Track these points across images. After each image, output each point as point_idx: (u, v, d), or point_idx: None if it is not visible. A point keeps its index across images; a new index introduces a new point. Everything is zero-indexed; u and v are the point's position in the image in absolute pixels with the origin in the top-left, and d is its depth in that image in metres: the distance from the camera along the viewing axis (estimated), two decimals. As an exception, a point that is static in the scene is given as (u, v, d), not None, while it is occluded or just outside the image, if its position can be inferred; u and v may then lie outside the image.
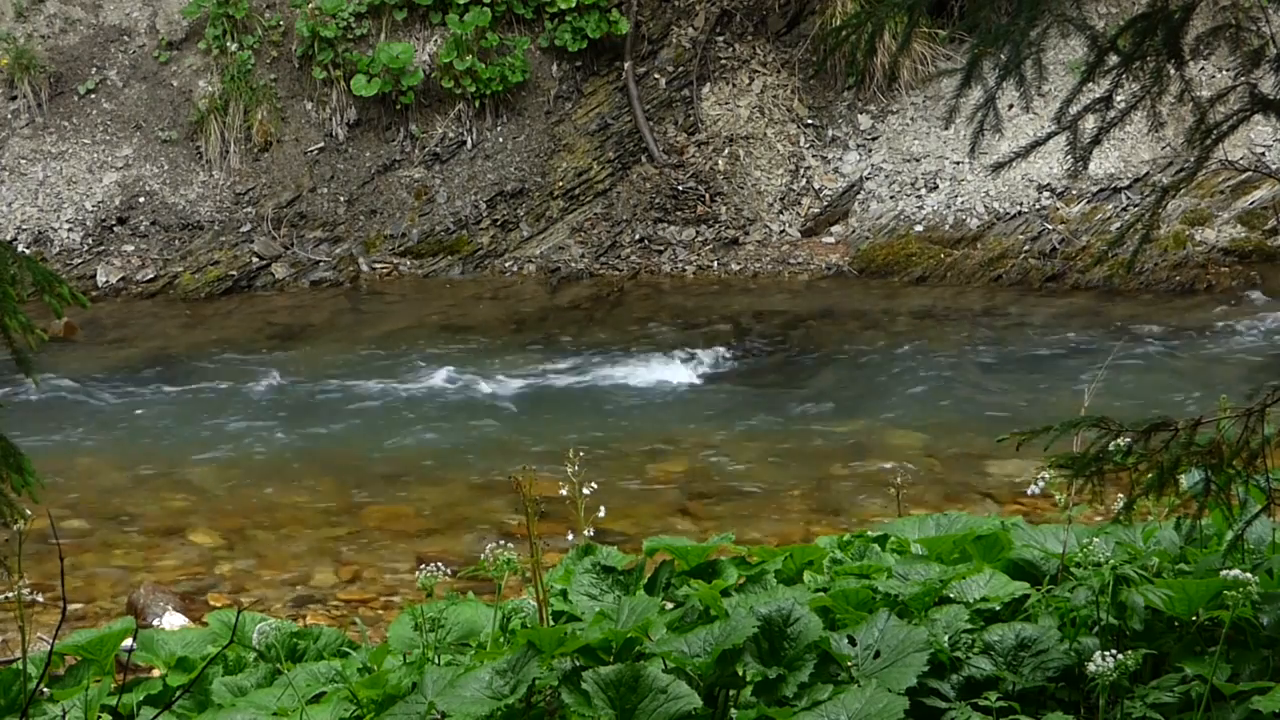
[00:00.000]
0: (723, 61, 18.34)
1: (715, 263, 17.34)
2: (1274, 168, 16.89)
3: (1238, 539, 5.91)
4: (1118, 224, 16.80)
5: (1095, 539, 6.02)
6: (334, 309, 16.87)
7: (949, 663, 5.64)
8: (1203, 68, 16.15)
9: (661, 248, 17.45)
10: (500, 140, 17.91)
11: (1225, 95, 5.84)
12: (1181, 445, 5.68)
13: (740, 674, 5.54)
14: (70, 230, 17.33)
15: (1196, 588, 5.62)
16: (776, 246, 17.46)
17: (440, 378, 15.07)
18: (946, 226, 17.27)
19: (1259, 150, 17.14)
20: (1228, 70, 15.28)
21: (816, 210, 17.68)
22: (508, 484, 6.33)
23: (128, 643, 6.51)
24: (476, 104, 17.85)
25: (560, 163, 17.88)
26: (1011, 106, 6.79)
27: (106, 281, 17.01)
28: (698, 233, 17.55)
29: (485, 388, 14.87)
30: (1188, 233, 16.82)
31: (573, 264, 17.41)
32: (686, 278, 17.24)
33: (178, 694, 6.12)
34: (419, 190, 17.75)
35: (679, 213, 17.62)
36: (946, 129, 17.38)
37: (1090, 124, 5.95)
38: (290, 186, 17.65)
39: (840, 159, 17.87)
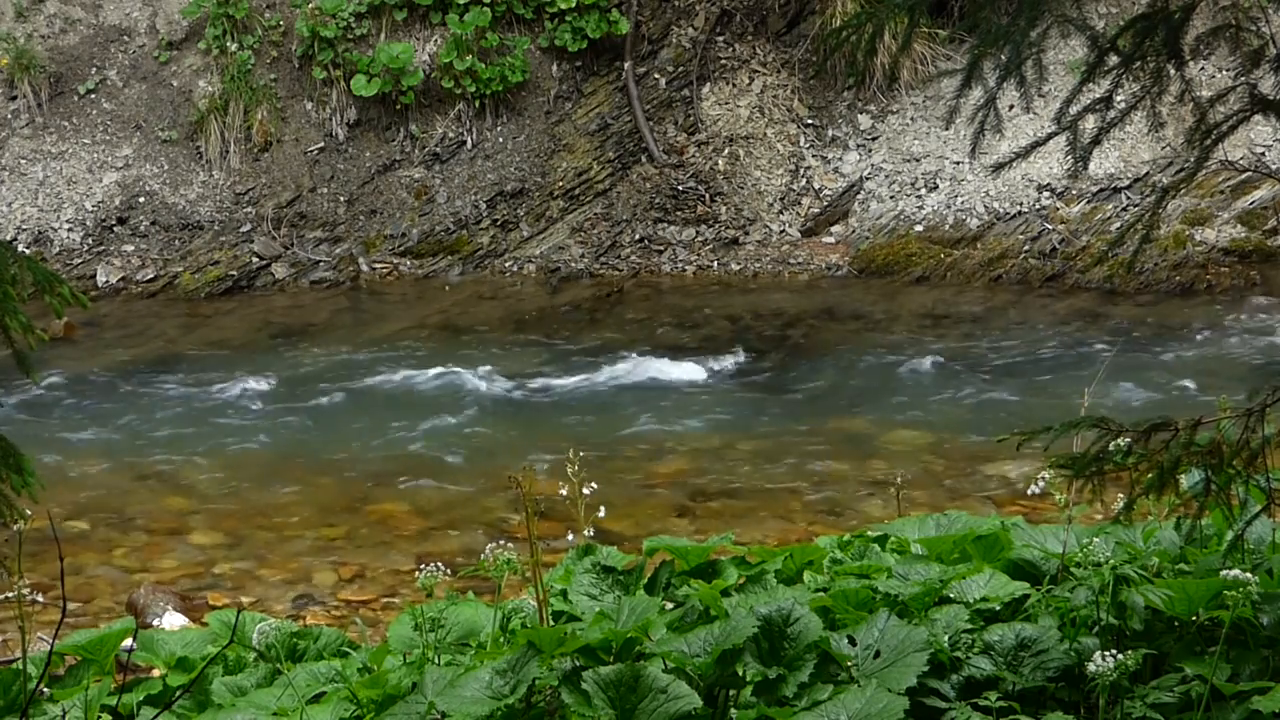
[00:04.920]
0: (723, 61, 18.33)
1: (715, 263, 17.34)
2: (1274, 168, 16.89)
3: (1238, 539, 5.91)
4: (1118, 224, 16.80)
5: (1095, 539, 6.01)
6: (334, 309, 16.87)
7: (949, 663, 5.64)
8: (1203, 68, 16.15)
9: (661, 248, 17.45)
10: (500, 140, 17.91)
11: (1225, 95, 5.85)
12: (1181, 445, 5.68)
13: (740, 674, 5.55)
14: (70, 230, 17.33)
15: (1196, 588, 5.62)
16: (776, 246, 17.46)
17: (440, 378, 15.06)
18: (946, 226, 17.27)
19: (1259, 150, 17.14)
20: (1228, 70, 15.28)
21: (816, 210, 17.67)
22: (508, 484, 6.31)
23: (128, 643, 6.52)
24: (476, 104, 17.85)
25: (560, 163, 17.87)
26: (1012, 107, 6.79)
27: (106, 281, 17.01)
28: (698, 233, 17.54)
29: (485, 388, 14.86)
30: (1188, 233, 16.82)
31: (573, 264, 17.41)
32: (686, 278, 17.24)
33: (178, 694, 6.12)
34: (419, 190, 17.75)
35: (679, 213, 17.62)
36: (947, 129, 17.38)
37: (1090, 124, 5.95)
38: (290, 186, 17.65)
39: (840, 159, 17.87)
